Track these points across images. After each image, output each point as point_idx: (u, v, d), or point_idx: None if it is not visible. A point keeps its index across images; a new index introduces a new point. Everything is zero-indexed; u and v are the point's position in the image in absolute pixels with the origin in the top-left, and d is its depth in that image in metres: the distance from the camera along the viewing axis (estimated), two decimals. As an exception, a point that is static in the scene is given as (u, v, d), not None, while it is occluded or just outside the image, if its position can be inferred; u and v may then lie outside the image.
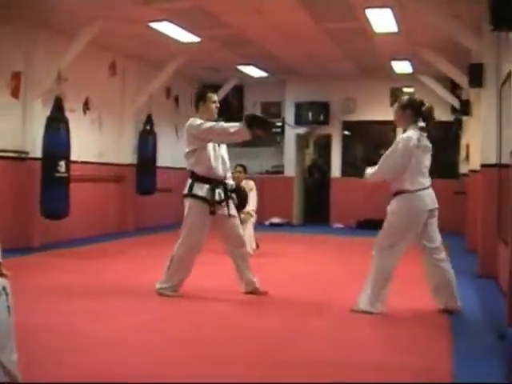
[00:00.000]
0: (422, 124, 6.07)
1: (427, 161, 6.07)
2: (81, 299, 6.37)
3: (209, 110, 6.51)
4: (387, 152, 5.95)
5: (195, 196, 6.41)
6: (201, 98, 6.55)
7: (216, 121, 6.42)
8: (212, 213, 6.37)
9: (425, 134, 6.06)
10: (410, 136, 5.93)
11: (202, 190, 6.40)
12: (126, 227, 13.35)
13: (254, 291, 6.66)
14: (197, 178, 6.44)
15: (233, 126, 6.11)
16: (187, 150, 6.45)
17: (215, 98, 6.59)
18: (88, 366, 4.17)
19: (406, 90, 15.47)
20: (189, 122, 6.42)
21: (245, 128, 6.00)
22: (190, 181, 6.48)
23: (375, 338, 5.17)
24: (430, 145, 6.07)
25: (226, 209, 6.50)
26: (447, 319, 5.75)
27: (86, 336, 4.90)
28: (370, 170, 6.11)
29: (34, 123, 10.36)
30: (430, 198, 5.99)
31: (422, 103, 6.05)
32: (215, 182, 6.43)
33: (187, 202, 6.48)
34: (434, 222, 6.07)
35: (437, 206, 6.04)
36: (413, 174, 5.89)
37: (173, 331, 5.26)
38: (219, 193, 6.43)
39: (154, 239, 11.83)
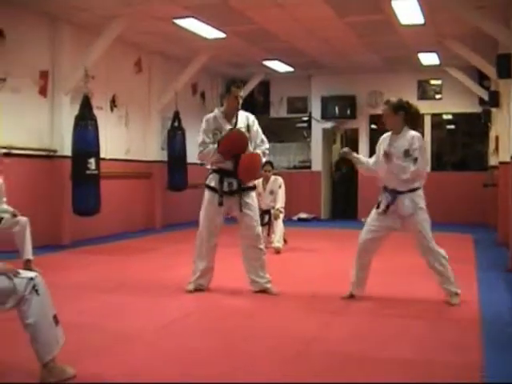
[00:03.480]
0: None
1: None
2: (108, 296, 6.42)
3: (229, 104, 6.52)
4: (418, 149, 5.87)
5: (207, 186, 6.52)
6: (226, 92, 6.56)
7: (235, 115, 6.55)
8: (219, 203, 6.41)
9: None
10: (421, 138, 6.03)
11: (213, 180, 6.47)
12: (154, 224, 13.42)
13: (264, 291, 6.50)
14: (213, 169, 6.53)
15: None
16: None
17: (238, 92, 6.51)
18: (112, 366, 4.19)
19: (433, 82, 15.39)
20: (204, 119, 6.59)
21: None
22: (209, 171, 6.60)
23: (405, 333, 5.10)
24: None
25: (238, 201, 6.44)
26: (476, 313, 5.69)
27: (113, 334, 4.93)
28: (410, 168, 5.98)
29: (61, 121, 10.45)
30: None
31: (410, 105, 6.12)
32: (226, 172, 6.44)
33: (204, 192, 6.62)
34: None
35: None
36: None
37: (195, 330, 5.27)
38: (230, 183, 6.43)
39: (182, 235, 11.83)
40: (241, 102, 6.55)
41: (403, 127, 6.00)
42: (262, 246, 6.55)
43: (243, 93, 6.66)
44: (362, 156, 6.52)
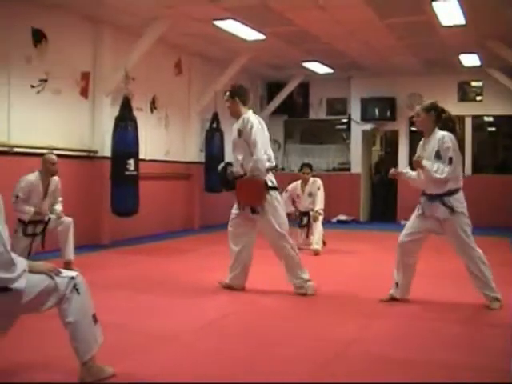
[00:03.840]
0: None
1: None
2: (146, 296, 6.47)
3: None
4: (449, 151, 5.80)
5: None
6: None
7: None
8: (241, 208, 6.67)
9: None
10: (452, 137, 5.88)
11: None
12: (193, 224, 13.48)
13: (303, 293, 6.49)
14: None
15: None
16: None
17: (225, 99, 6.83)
18: (150, 366, 4.20)
19: (473, 83, 15.20)
20: None
21: None
22: None
23: (444, 337, 5.05)
24: None
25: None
26: (508, 317, 5.62)
27: (151, 334, 4.97)
28: (444, 169, 5.89)
29: (102, 122, 10.56)
30: None
31: (443, 110, 6.03)
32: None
33: None
34: None
35: None
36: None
37: (232, 331, 5.26)
38: None
39: (219, 237, 11.78)
40: (228, 105, 6.86)
41: (434, 128, 5.95)
42: (287, 252, 6.47)
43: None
44: (409, 171, 6.44)
